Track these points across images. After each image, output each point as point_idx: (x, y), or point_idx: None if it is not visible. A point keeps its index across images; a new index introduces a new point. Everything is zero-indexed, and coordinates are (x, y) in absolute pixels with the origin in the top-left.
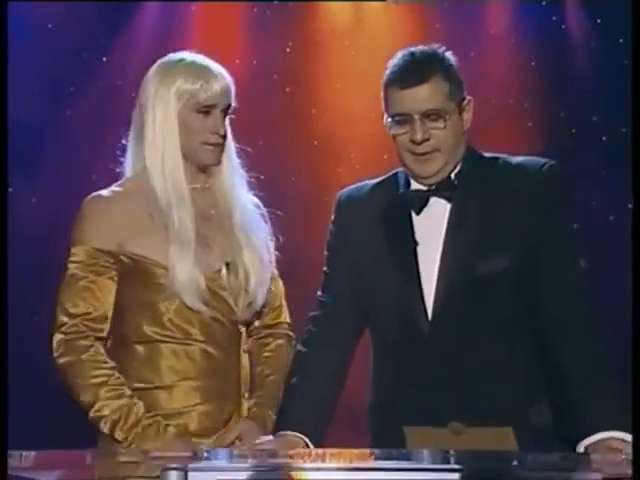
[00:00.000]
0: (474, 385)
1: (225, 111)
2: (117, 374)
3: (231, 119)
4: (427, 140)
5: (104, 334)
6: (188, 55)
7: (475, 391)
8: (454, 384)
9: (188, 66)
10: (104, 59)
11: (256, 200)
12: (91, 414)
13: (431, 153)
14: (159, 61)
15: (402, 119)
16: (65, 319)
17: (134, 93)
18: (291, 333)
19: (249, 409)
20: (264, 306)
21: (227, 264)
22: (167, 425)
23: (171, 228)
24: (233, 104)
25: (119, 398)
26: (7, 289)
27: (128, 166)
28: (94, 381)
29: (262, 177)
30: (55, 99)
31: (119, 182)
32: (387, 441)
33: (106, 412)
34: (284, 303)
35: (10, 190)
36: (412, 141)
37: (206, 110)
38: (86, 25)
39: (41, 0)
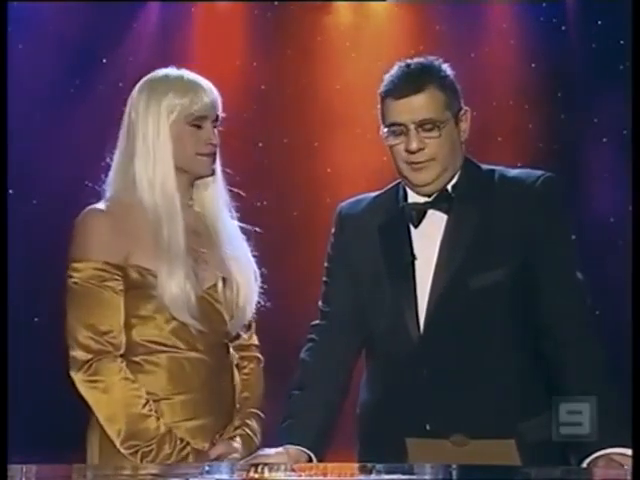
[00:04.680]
0: (464, 398)
1: (214, 122)
2: (146, 396)
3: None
4: (422, 149)
5: (123, 350)
6: (173, 70)
7: (465, 404)
8: (442, 397)
9: (176, 81)
10: (104, 60)
11: (235, 220)
12: (122, 445)
13: (426, 162)
14: (145, 78)
15: (397, 129)
16: (90, 337)
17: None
18: (260, 356)
19: (234, 429)
20: (249, 323)
21: (223, 279)
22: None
23: (161, 242)
24: (221, 115)
25: (156, 428)
26: (7, 291)
27: (114, 183)
28: (132, 410)
29: (243, 194)
30: (55, 100)
31: (107, 197)
32: (376, 451)
33: (139, 442)
34: (254, 325)
35: (10, 192)
36: (407, 151)
37: (197, 122)
38: (86, 26)
39: (41, 0)
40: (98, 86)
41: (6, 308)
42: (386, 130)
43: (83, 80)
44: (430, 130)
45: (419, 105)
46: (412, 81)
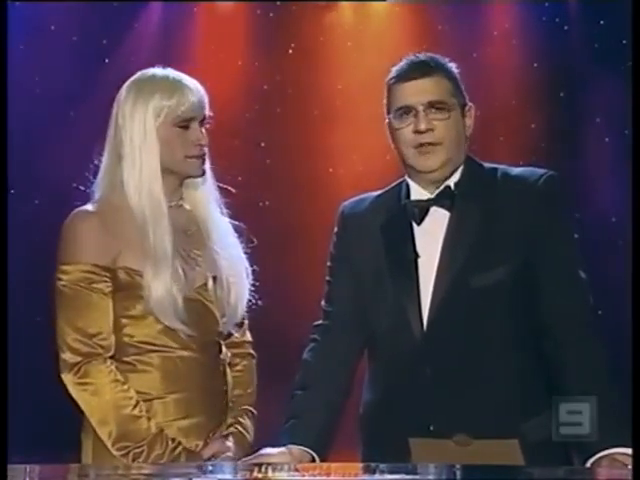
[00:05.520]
0: (467, 397)
1: (202, 122)
2: (136, 397)
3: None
4: (431, 130)
5: (113, 352)
6: (160, 70)
7: (468, 403)
8: (445, 397)
9: (162, 82)
10: (106, 60)
11: (226, 217)
12: (113, 446)
13: (433, 146)
14: (131, 79)
15: (406, 111)
16: (79, 340)
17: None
18: (253, 352)
19: (227, 427)
20: (241, 320)
21: (214, 277)
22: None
23: (147, 245)
24: (209, 114)
25: (147, 429)
26: (7, 290)
27: (102, 184)
28: (122, 412)
29: (233, 190)
30: (57, 100)
31: (95, 199)
32: (379, 451)
33: (130, 443)
34: (247, 322)
35: (12, 192)
36: (416, 131)
37: (185, 124)
38: (87, 26)
39: (41, 0)
40: (100, 86)
41: (6, 308)
42: (392, 115)
43: (85, 80)
44: (439, 111)
45: (427, 87)
46: (420, 66)
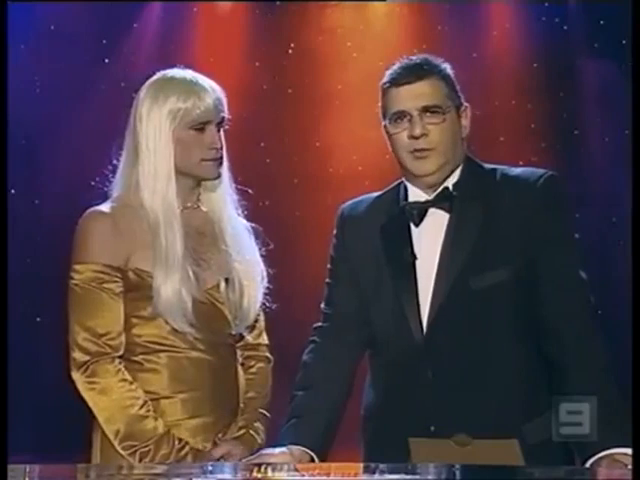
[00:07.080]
0: (467, 398)
1: (220, 124)
2: (144, 397)
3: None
4: (425, 135)
5: (122, 352)
6: (179, 72)
7: (468, 404)
8: (445, 397)
9: (179, 84)
10: (106, 60)
11: (243, 219)
12: (120, 445)
13: (429, 150)
14: (150, 80)
15: (400, 116)
16: (88, 339)
17: (136, 95)
18: (270, 355)
19: (238, 429)
20: (255, 322)
21: (226, 279)
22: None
23: (158, 248)
24: (227, 116)
25: (153, 429)
26: (7, 290)
27: (119, 184)
28: (129, 411)
29: (250, 191)
30: (57, 101)
31: (112, 198)
32: (381, 451)
33: (137, 442)
34: (263, 324)
35: (12, 192)
36: (411, 137)
37: (201, 127)
38: (88, 26)
39: (41, 0)
40: (100, 86)
41: (6, 308)
42: (388, 119)
43: (85, 80)
44: (433, 114)
45: (421, 91)
46: (414, 70)
